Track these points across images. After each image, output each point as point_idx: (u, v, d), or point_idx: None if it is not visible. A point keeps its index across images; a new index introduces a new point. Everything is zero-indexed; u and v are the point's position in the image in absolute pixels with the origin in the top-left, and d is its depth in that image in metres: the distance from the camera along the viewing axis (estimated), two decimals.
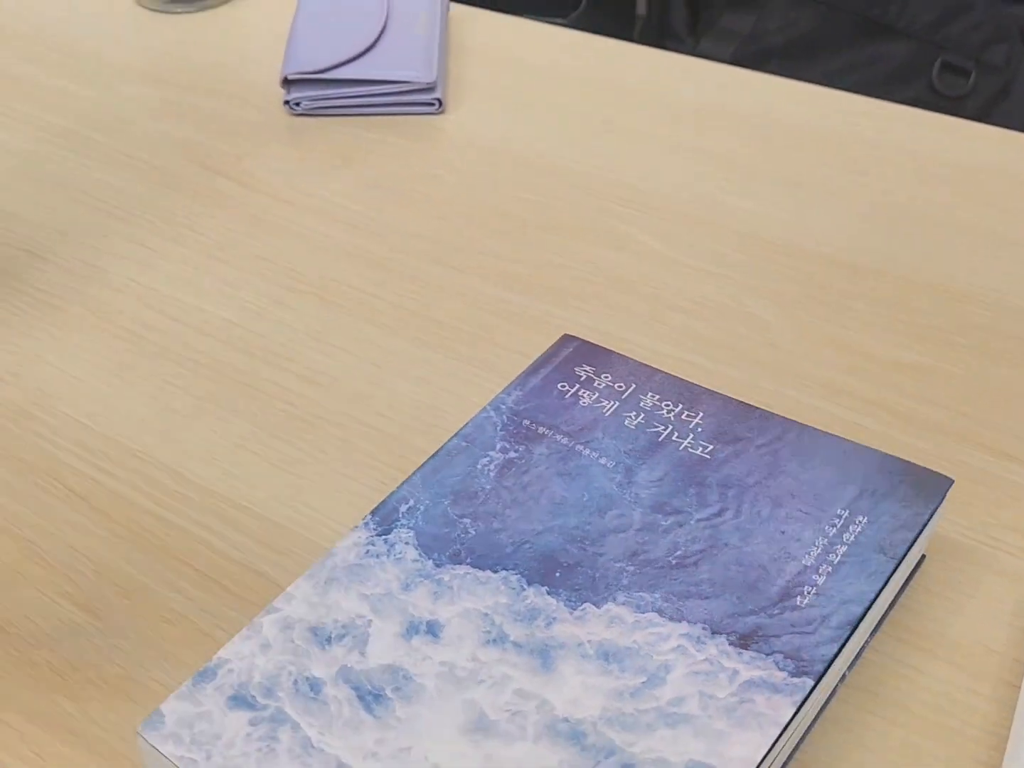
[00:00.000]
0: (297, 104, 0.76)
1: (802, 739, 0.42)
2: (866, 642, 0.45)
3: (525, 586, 0.43)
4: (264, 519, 0.50)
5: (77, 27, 0.89)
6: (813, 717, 0.42)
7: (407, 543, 0.45)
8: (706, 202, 0.68)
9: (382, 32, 0.78)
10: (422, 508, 0.46)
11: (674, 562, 0.43)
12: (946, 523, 0.49)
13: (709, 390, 0.50)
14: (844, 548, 0.43)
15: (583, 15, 1.22)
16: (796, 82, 0.79)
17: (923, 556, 0.48)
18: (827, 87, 0.79)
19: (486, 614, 0.42)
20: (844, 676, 0.43)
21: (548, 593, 0.43)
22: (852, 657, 0.43)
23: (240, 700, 0.39)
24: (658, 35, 1.34)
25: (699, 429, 0.49)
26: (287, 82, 0.75)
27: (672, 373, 0.52)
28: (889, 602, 0.45)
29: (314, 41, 0.77)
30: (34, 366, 0.59)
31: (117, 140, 0.76)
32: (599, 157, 0.72)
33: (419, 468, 0.48)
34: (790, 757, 0.41)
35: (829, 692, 0.42)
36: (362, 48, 0.76)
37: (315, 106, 0.76)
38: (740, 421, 0.49)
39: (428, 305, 0.62)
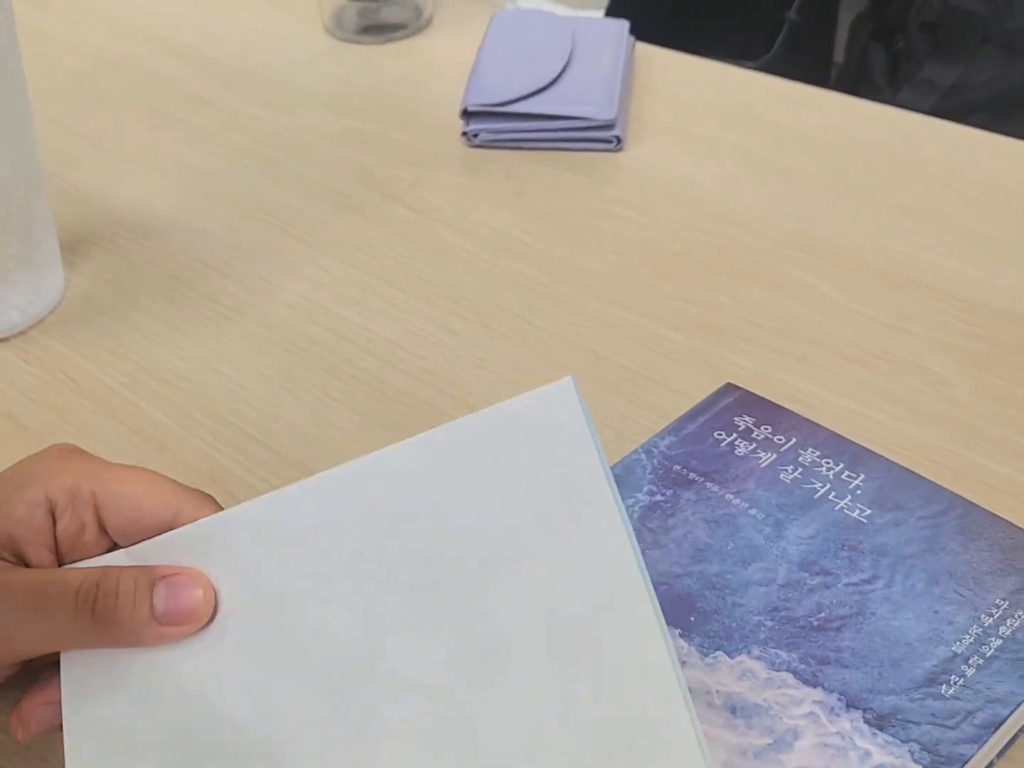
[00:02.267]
0: (475, 135, 0.77)
1: None
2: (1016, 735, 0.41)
3: None
4: None
5: (271, 55, 0.92)
6: None
7: None
8: (890, 254, 0.65)
9: (565, 68, 0.78)
10: None
11: (816, 624, 0.41)
12: None
13: (873, 452, 0.48)
14: (999, 642, 0.41)
15: (775, 59, 1.21)
16: (998, 136, 0.75)
17: None
18: None
19: None
20: (992, 763, 0.40)
21: (681, 636, 0.41)
22: (991, 757, 0.40)
23: None
24: (854, 83, 1.31)
25: (859, 491, 0.46)
26: (467, 114, 0.76)
27: (838, 428, 0.50)
28: None
29: (496, 74, 0.78)
30: (203, 373, 0.60)
31: (298, 163, 0.78)
32: (778, 202, 0.70)
33: None
34: None
35: None
36: (543, 83, 0.76)
37: (493, 138, 0.76)
38: (904, 488, 0.46)
39: (591, 339, 0.61)
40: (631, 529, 0.37)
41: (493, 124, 0.76)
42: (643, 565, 0.36)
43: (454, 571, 0.37)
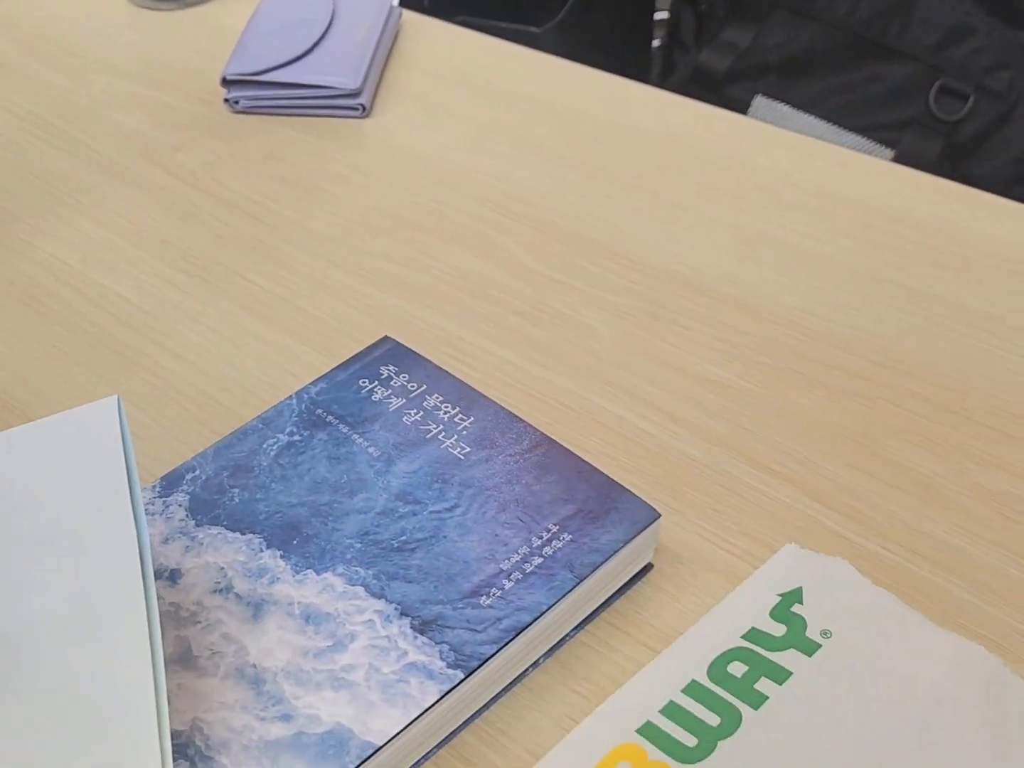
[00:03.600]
0: (236, 102, 0.83)
1: (492, 701, 0.47)
2: (578, 627, 0.49)
3: (264, 548, 0.49)
4: None
5: (72, 21, 0.97)
6: (495, 694, 0.47)
7: (180, 505, 0.51)
8: (585, 219, 0.72)
9: (321, 39, 0.84)
10: (204, 477, 0.52)
11: (396, 545, 0.49)
12: (691, 524, 0.53)
13: (488, 398, 0.55)
14: (540, 560, 0.48)
15: (567, 22, 1.25)
16: (700, 104, 0.82)
17: (649, 564, 0.52)
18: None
19: (222, 567, 0.48)
20: (538, 662, 0.48)
21: (281, 557, 0.49)
22: (524, 656, 0.47)
23: None
24: (670, 43, 1.37)
25: (465, 432, 0.54)
26: (227, 82, 0.82)
27: (486, 375, 0.57)
28: (576, 611, 0.49)
29: (257, 44, 0.84)
30: None
31: (78, 129, 0.84)
32: (495, 169, 0.77)
33: (216, 443, 0.54)
34: (463, 726, 0.46)
35: (495, 682, 0.47)
36: (298, 53, 0.83)
37: (251, 105, 0.83)
38: (503, 430, 0.54)
39: (299, 294, 0.68)
40: (147, 548, 0.42)
41: (251, 92, 0.82)
42: (151, 581, 0.41)
43: None
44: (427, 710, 0.44)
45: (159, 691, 0.38)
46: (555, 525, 0.50)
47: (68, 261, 0.72)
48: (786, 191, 0.74)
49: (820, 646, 0.47)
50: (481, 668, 0.45)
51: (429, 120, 0.82)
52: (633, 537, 0.49)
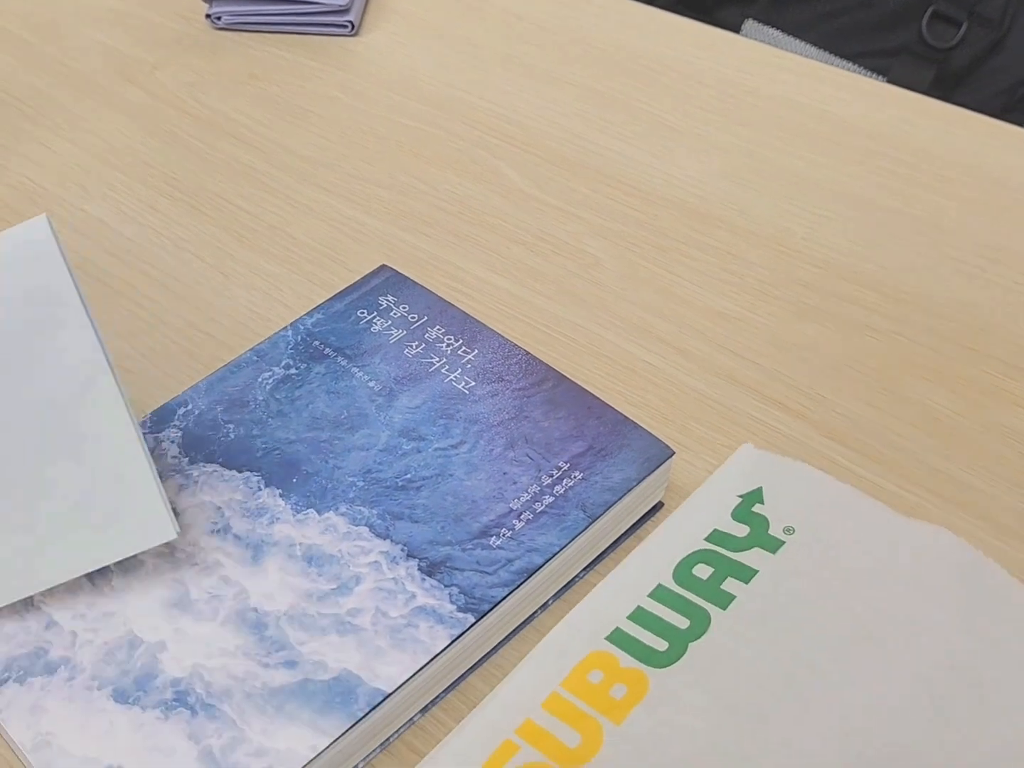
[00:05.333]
0: (218, 18, 0.79)
1: (500, 644, 0.45)
2: (588, 567, 0.48)
3: (262, 487, 0.47)
4: None
5: None
6: (504, 635, 0.45)
7: (172, 442, 0.49)
8: (580, 143, 0.70)
9: None
10: (196, 412, 0.50)
11: (400, 484, 0.47)
12: (701, 461, 0.52)
13: (492, 330, 0.53)
14: (551, 499, 0.46)
15: None
16: (699, 24, 0.79)
17: (660, 503, 0.50)
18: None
19: (218, 507, 0.46)
20: (547, 603, 0.47)
21: (280, 496, 0.47)
22: (534, 598, 0.46)
23: None
24: None
25: (469, 365, 0.52)
26: None
27: (486, 305, 0.54)
28: (587, 551, 0.47)
29: None
30: None
31: (52, 45, 0.80)
32: (488, 90, 0.74)
33: (208, 376, 0.52)
34: (471, 670, 0.45)
35: (505, 624, 0.45)
36: None
37: (235, 21, 0.79)
38: (508, 363, 0.52)
39: (288, 221, 0.65)
40: (99, 335, 0.45)
41: (234, 7, 0.79)
42: (112, 363, 0.45)
43: None
44: (437, 656, 0.42)
45: (156, 477, 0.43)
46: (566, 463, 0.48)
47: (43, 184, 0.68)
48: (791, 116, 0.71)
49: (783, 543, 0.47)
50: (492, 612, 0.43)
51: (420, 40, 0.79)
52: (647, 475, 0.47)
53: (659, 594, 0.45)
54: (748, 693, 0.42)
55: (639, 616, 0.45)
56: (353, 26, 0.78)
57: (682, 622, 0.44)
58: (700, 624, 0.44)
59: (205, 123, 0.72)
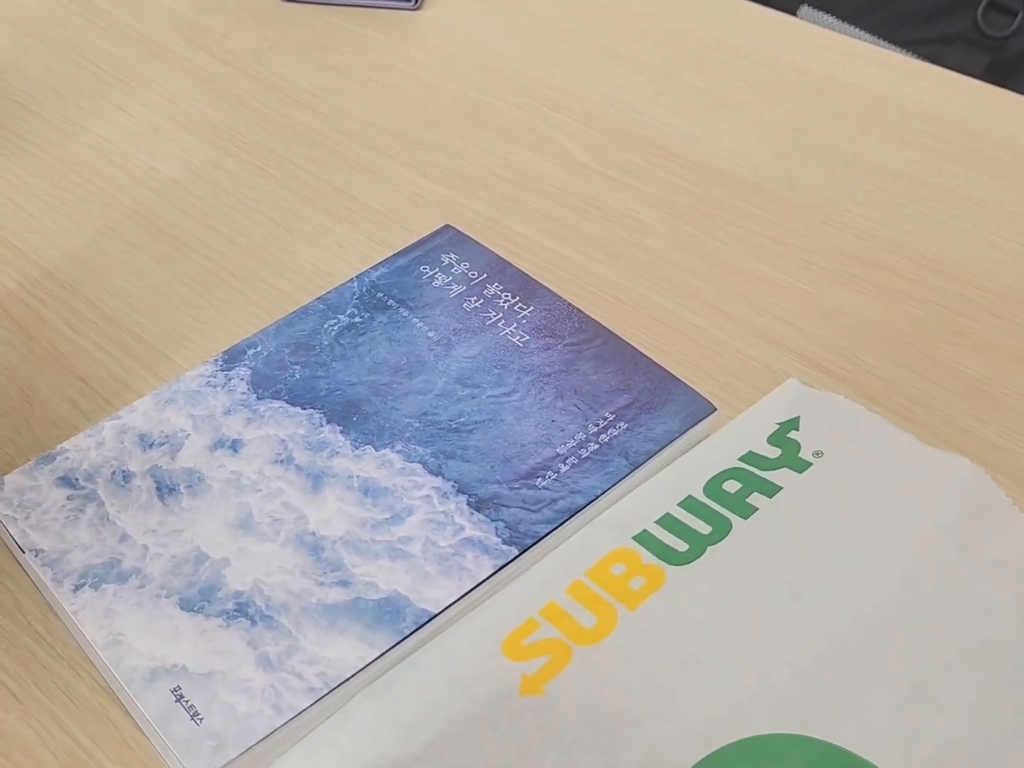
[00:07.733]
0: None
1: None
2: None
3: (324, 424, 0.50)
4: (156, 351, 0.58)
5: None
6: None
7: (242, 379, 0.52)
8: (632, 115, 0.72)
9: None
10: (265, 353, 0.53)
11: (454, 426, 0.50)
12: None
13: (548, 288, 0.56)
14: (596, 447, 0.49)
15: None
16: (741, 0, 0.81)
17: None
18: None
19: (283, 440, 0.49)
20: None
21: (341, 432, 0.49)
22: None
23: (65, 481, 0.47)
24: None
25: (524, 321, 0.54)
26: None
27: (537, 266, 0.57)
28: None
29: None
30: None
31: (121, 10, 0.83)
32: (550, 63, 0.77)
33: (277, 321, 0.55)
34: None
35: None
36: None
37: None
38: (562, 320, 0.54)
39: (352, 184, 0.68)
40: None
41: None
42: None
43: None
44: (481, 582, 0.45)
45: None
46: (612, 414, 0.50)
47: (118, 144, 0.72)
48: (839, 95, 0.73)
49: (811, 464, 0.49)
50: (535, 546, 0.46)
51: (481, 15, 0.82)
52: (689, 428, 0.50)
53: (688, 503, 0.48)
54: (755, 592, 0.45)
55: (666, 521, 0.48)
56: (416, 1, 0.81)
57: (705, 528, 0.47)
58: (721, 530, 0.47)
59: (272, 89, 0.75)
